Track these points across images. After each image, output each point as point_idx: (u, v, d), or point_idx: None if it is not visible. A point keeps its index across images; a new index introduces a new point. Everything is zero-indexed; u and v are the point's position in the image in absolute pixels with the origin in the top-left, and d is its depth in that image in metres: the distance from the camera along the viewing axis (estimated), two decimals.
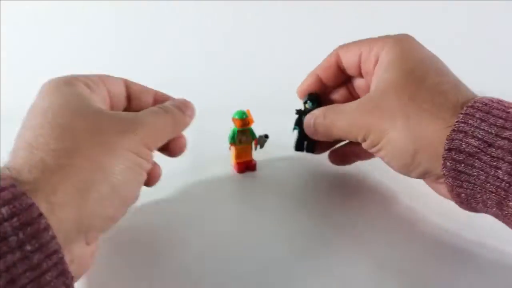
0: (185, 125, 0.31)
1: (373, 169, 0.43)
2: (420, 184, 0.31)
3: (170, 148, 0.33)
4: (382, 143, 0.28)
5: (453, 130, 0.23)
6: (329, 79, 0.36)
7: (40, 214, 0.17)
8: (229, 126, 0.46)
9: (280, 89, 0.73)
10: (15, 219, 0.17)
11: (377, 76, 0.29)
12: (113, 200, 0.22)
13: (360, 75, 0.34)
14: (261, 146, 0.44)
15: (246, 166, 0.45)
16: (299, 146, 0.42)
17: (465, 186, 0.24)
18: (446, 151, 0.23)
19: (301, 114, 0.42)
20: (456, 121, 0.24)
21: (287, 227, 0.35)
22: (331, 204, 0.38)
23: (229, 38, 0.87)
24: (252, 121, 0.45)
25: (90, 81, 0.28)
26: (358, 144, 0.31)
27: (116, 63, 0.90)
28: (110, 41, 0.90)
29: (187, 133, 0.34)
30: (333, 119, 0.31)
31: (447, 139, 0.23)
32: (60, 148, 0.21)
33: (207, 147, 0.46)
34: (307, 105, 0.42)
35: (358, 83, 0.36)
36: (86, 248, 0.22)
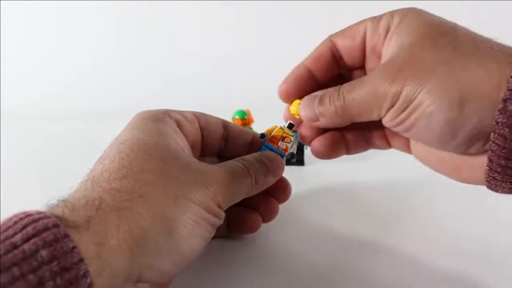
0: (266, 186, 0.27)
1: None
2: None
3: (261, 212, 0.29)
4: (417, 101, 0.21)
5: None
6: (321, 72, 0.28)
7: (81, 259, 0.16)
8: None
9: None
10: (55, 263, 0.16)
11: (396, 40, 0.24)
12: (172, 255, 0.20)
13: (362, 65, 0.28)
14: None
15: None
16: (287, 161, 0.39)
17: None
18: (509, 91, 0.18)
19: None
20: None
21: (287, 226, 0.35)
22: (328, 204, 0.38)
23: (229, 39, 0.87)
24: (252, 121, 0.45)
25: (183, 118, 0.26)
26: (356, 128, 0.27)
27: (117, 63, 0.90)
28: (111, 41, 0.91)
29: None
30: (350, 95, 0.24)
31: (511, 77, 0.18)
32: (124, 189, 0.19)
33: None
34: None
35: (358, 76, 0.28)
36: None
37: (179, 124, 0.26)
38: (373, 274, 0.27)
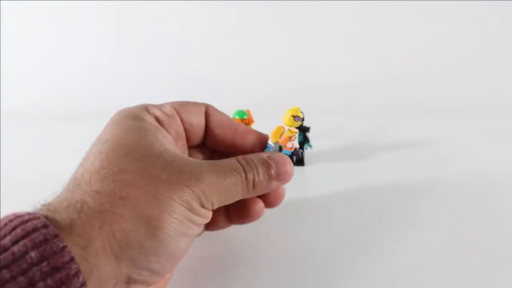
0: (269, 190, 0.26)
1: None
2: None
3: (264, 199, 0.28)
4: None
5: None
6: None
7: (72, 259, 0.16)
8: None
9: (280, 89, 0.73)
10: (44, 264, 0.16)
11: None
12: (158, 255, 0.20)
13: None
14: None
15: None
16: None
17: None
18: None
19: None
20: None
21: (287, 226, 0.35)
22: (331, 204, 0.38)
23: (230, 39, 0.87)
24: (252, 121, 0.45)
25: (162, 113, 0.25)
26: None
27: (117, 64, 0.90)
28: (111, 42, 0.91)
29: None
30: None
31: None
32: (105, 191, 0.19)
33: None
34: None
35: None
36: None
37: (158, 120, 0.25)
38: (374, 274, 0.27)
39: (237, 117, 0.43)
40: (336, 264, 0.28)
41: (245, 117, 0.43)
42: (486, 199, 0.36)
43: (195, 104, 0.27)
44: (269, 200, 0.28)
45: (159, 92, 0.78)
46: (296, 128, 0.37)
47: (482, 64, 0.81)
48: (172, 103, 0.27)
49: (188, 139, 0.27)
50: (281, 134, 0.28)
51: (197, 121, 0.27)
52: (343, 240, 0.31)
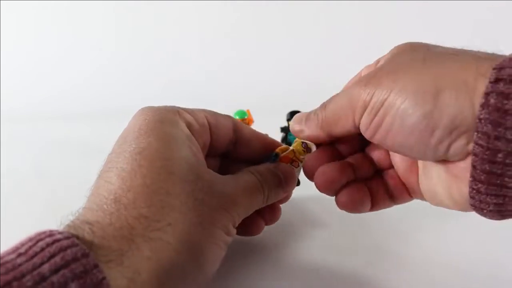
0: (275, 200, 0.27)
1: None
2: None
3: (264, 215, 0.29)
4: (389, 101, 0.20)
5: (501, 63, 0.17)
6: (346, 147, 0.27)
7: None
8: None
9: (280, 89, 0.73)
10: None
11: (381, 61, 0.24)
12: (196, 279, 0.20)
13: None
14: None
15: None
16: None
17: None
18: (491, 83, 0.17)
19: (286, 131, 0.43)
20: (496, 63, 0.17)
21: (287, 227, 0.35)
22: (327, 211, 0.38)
23: (230, 39, 0.87)
24: (252, 121, 0.45)
25: (194, 119, 0.25)
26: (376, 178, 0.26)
27: (117, 64, 0.90)
28: (111, 42, 0.91)
29: None
30: (330, 105, 0.24)
31: (494, 67, 0.17)
32: (152, 217, 0.19)
33: None
34: (290, 122, 0.43)
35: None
36: None
37: (190, 127, 0.24)
38: (374, 276, 0.27)
39: (237, 117, 0.43)
40: (336, 264, 0.28)
41: (245, 117, 0.43)
42: None
43: (224, 117, 0.27)
44: (267, 218, 0.29)
45: (159, 92, 0.78)
46: (283, 128, 0.36)
47: None
48: (204, 111, 0.26)
49: (211, 149, 0.27)
50: (285, 150, 0.28)
51: (226, 133, 0.27)
52: (343, 240, 0.31)
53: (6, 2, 0.86)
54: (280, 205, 0.30)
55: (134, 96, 0.77)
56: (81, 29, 0.89)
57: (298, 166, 0.28)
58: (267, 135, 0.30)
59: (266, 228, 0.30)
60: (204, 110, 0.26)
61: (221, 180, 0.23)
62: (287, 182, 0.26)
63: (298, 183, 0.29)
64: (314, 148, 0.27)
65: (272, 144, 0.29)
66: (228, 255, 0.29)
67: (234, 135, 0.27)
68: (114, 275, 0.16)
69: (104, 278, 0.16)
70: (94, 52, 0.89)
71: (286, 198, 0.29)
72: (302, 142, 0.28)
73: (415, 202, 0.37)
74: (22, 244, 0.16)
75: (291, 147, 0.28)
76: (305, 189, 0.40)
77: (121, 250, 0.17)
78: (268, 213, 0.28)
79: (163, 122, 0.23)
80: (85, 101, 0.80)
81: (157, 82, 0.82)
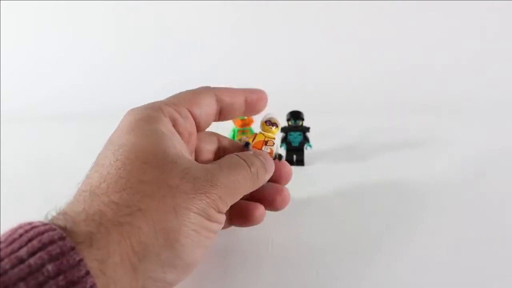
0: (263, 182, 0.27)
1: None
2: None
3: (268, 203, 0.29)
4: None
5: None
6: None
7: (88, 272, 0.16)
8: (230, 126, 0.46)
9: (280, 89, 0.73)
10: (61, 277, 0.16)
11: None
12: (174, 266, 0.20)
13: None
14: None
15: None
16: (288, 161, 0.42)
17: None
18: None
19: (286, 131, 0.44)
20: None
21: (287, 226, 0.35)
22: (330, 204, 0.38)
23: (229, 39, 0.87)
24: (252, 121, 0.45)
25: (177, 113, 0.25)
26: None
27: (117, 64, 0.90)
28: (110, 41, 0.91)
29: None
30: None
31: None
32: (123, 203, 0.19)
33: None
34: (290, 122, 0.43)
35: None
36: None
37: (173, 121, 0.25)
38: (374, 274, 0.27)
39: (237, 117, 0.43)
40: (336, 264, 0.28)
41: (245, 117, 0.43)
42: (486, 199, 0.36)
43: (205, 93, 0.28)
44: (275, 204, 0.29)
45: (159, 91, 0.78)
46: (295, 128, 0.38)
47: (482, 64, 0.81)
48: (185, 97, 0.27)
49: (199, 128, 0.28)
50: (254, 138, 0.30)
51: (208, 112, 0.28)
52: (343, 240, 0.31)
53: (6, 2, 0.86)
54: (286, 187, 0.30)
55: (134, 96, 0.77)
56: (81, 29, 0.89)
57: (273, 144, 0.30)
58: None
59: (265, 227, 0.30)
60: (185, 95, 0.27)
61: (200, 166, 0.23)
62: (267, 161, 0.27)
63: (280, 158, 0.30)
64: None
65: (254, 94, 0.31)
66: (226, 254, 0.29)
67: (217, 104, 0.29)
68: (85, 256, 0.17)
69: (81, 259, 0.16)
70: (94, 52, 0.89)
71: (287, 174, 0.30)
72: (266, 121, 0.30)
73: (415, 202, 0.38)
74: (4, 235, 0.17)
75: (258, 132, 0.30)
76: (305, 189, 0.40)
77: (90, 232, 0.18)
78: (272, 196, 0.29)
79: (145, 120, 0.23)
80: (85, 101, 0.80)
81: (157, 81, 0.82)
